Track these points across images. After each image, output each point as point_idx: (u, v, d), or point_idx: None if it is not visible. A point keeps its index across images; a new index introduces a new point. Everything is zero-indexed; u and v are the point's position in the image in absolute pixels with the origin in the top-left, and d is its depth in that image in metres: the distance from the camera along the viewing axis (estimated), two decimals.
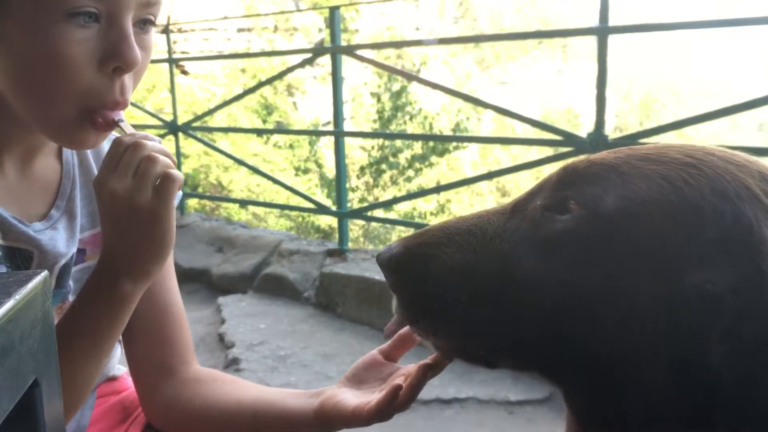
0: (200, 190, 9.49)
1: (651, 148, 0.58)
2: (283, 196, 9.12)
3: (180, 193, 0.75)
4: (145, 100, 10.04)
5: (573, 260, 0.56)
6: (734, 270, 0.50)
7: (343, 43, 4.28)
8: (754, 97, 2.53)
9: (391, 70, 8.42)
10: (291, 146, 10.76)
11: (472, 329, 0.62)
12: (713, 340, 0.50)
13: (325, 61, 5.09)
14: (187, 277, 3.93)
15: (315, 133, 10.06)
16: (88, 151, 0.86)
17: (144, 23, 0.72)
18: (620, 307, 0.53)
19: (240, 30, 15.92)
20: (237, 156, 6.11)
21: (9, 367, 0.36)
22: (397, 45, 11.97)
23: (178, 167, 0.73)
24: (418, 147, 8.86)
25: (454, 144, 8.61)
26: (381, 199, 8.06)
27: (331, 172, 8.32)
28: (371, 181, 9.17)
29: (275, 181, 5.07)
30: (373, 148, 9.05)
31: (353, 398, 0.76)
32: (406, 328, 0.70)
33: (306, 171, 10.25)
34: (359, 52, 3.92)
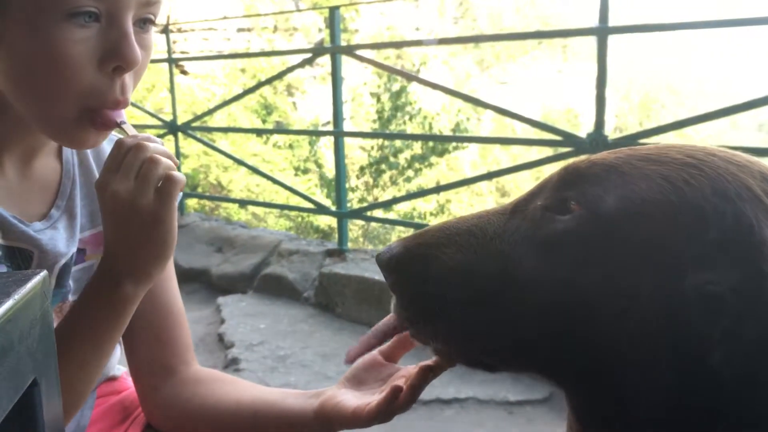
0: (200, 190, 9.49)
1: (652, 148, 0.58)
2: (282, 196, 9.12)
3: (180, 193, 0.75)
4: (145, 100, 10.04)
5: (573, 261, 0.56)
6: (735, 270, 0.50)
7: (343, 43, 4.28)
8: (754, 98, 2.53)
9: (391, 70, 8.42)
10: (291, 146, 10.77)
11: (472, 330, 0.62)
12: (714, 340, 0.49)
13: (325, 61, 5.08)
14: (187, 277, 3.93)
15: (315, 133, 10.06)
16: (88, 151, 0.86)
17: (144, 22, 0.72)
18: (621, 307, 0.53)
19: (240, 30, 15.92)
20: (237, 156, 6.11)
21: (8, 367, 0.36)
22: (397, 45, 11.97)
23: (178, 168, 0.73)
24: (417, 147, 8.87)
25: (454, 144, 8.62)
26: (381, 199, 8.06)
27: (330, 172, 8.32)
28: (371, 181, 9.18)
29: (275, 181, 5.07)
30: (372, 148, 9.06)
31: (353, 399, 0.76)
32: (406, 333, 0.70)
33: (305, 171, 10.26)
34: (359, 52, 3.92)
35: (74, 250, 0.82)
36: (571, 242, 0.56)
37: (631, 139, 3.05)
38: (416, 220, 7.40)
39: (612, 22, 2.68)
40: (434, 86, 3.71)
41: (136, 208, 0.69)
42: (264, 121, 12.99)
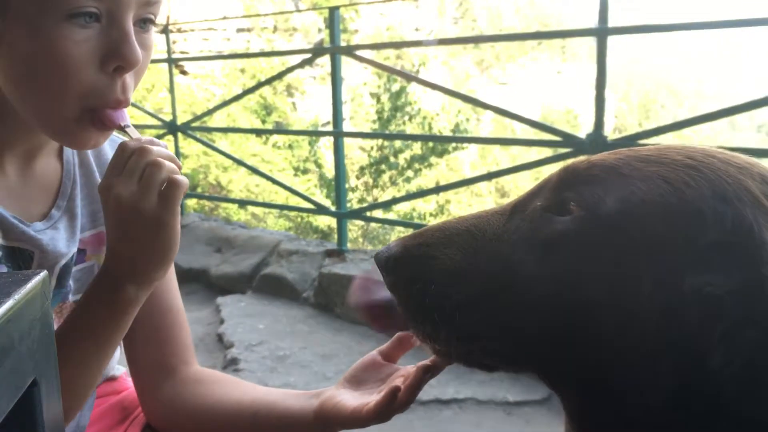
0: (199, 190, 9.49)
1: (651, 149, 0.58)
2: (282, 197, 9.13)
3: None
4: (145, 100, 10.04)
5: (573, 261, 0.56)
6: (734, 273, 0.50)
7: (343, 44, 4.28)
8: (753, 98, 2.53)
9: (391, 71, 8.41)
10: (290, 146, 10.78)
11: (471, 330, 0.62)
12: (713, 342, 0.49)
13: (325, 61, 5.09)
14: (186, 277, 3.93)
15: (314, 134, 10.07)
16: (89, 152, 0.86)
17: (144, 22, 0.72)
18: (620, 308, 0.53)
19: (239, 30, 15.93)
20: (236, 156, 6.11)
21: (8, 368, 0.36)
22: (397, 45, 11.98)
23: (181, 171, 0.73)
24: (417, 147, 8.88)
25: (454, 144, 8.63)
26: (380, 200, 8.07)
27: (330, 172, 8.33)
28: (370, 181, 9.19)
29: (274, 182, 5.06)
30: (372, 148, 9.07)
31: (352, 399, 0.76)
32: (407, 333, 0.70)
33: (305, 171, 10.26)
34: (359, 53, 3.92)
35: (75, 250, 0.82)
36: (571, 243, 0.56)
37: (631, 140, 3.05)
38: (416, 221, 7.40)
39: (611, 23, 2.68)
40: (434, 86, 3.71)
41: (139, 212, 0.69)
42: (264, 122, 13.00)
